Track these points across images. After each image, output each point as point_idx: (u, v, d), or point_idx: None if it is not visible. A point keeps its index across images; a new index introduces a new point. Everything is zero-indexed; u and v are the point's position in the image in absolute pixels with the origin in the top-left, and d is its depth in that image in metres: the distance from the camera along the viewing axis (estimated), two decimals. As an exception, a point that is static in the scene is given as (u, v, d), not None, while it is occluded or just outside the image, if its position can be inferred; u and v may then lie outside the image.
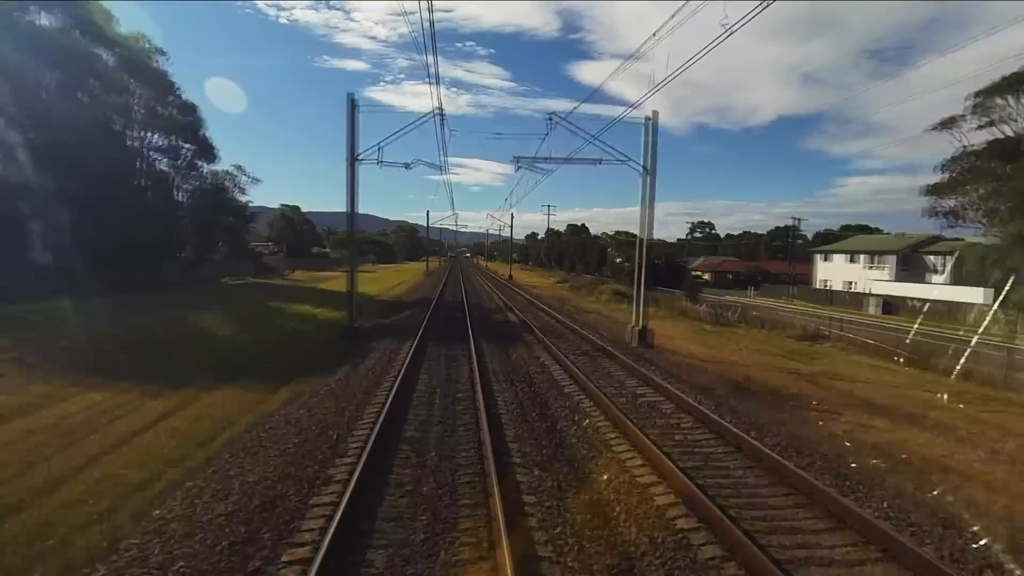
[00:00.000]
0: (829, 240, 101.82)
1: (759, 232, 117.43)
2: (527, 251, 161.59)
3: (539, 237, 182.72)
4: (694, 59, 9.55)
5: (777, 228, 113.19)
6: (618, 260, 43.59)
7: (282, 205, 62.23)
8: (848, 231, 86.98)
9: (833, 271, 51.00)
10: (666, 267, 38.55)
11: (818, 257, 53.96)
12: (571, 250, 78.95)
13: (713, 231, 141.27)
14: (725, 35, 8.21)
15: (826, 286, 50.95)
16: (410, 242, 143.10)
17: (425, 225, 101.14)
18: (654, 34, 10.09)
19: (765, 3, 7.63)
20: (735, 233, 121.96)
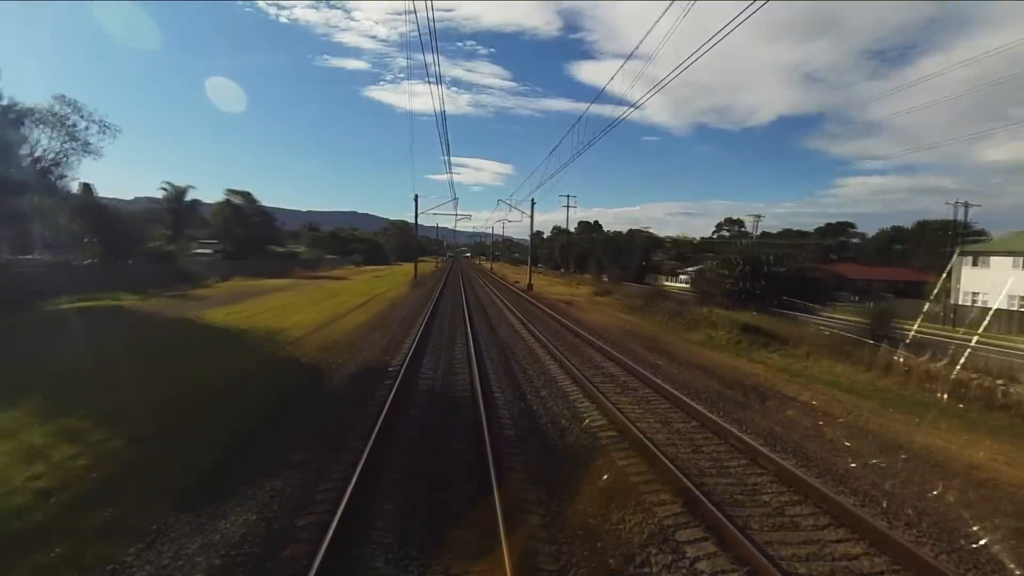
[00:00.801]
0: (899, 239, 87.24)
1: (803, 230, 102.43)
2: (535, 252, 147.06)
3: (546, 236, 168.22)
4: (695, 56, 9.30)
5: (829, 225, 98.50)
6: (711, 264, 29.03)
7: (228, 191, 47.65)
8: (946, 227, 71.58)
9: (989, 280, 36.30)
10: (793, 277, 23.86)
11: (961, 260, 39.21)
12: (598, 250, 64.46)
13: (743, 228, 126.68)
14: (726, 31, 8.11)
15: (975, 301, 36.38)
16: (404, 241, 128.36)
17: (432, 224, 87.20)
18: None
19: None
20: (771, 231, 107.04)
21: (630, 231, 66.61)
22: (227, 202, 46.85)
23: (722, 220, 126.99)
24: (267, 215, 49.11)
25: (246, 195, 47.92)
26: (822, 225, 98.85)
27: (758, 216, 79.67)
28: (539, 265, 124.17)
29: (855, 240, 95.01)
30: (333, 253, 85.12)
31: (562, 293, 39.16)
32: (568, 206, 66.10)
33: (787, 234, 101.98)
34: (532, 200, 38.32)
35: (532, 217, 39.34)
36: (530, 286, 38.46)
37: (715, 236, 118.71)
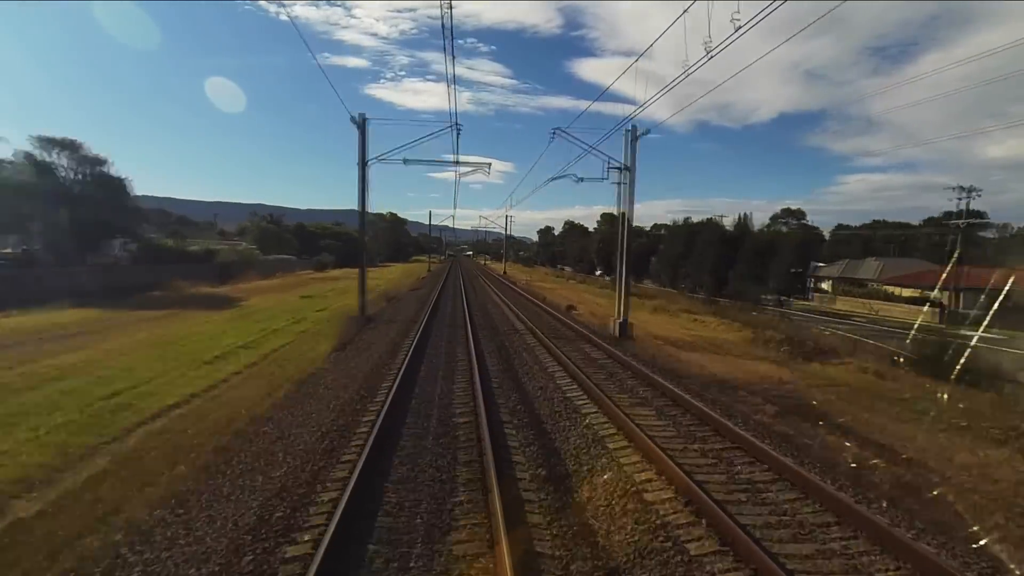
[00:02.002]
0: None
1: (906, 222, 79.96)
2: (551, 250, 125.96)
3: (555, 233, 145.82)
4: (706, 59, 8.93)
5: (947, 214, 76.34)
6: None
7: (33, 138, 25.88)
8: None
9: None
10: None
11: None
12: (674, 250, 42.81)
13: (803, 220, 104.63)
14: (741, 32, 7.73)
15: None
16: (393, 237, 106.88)
17: (423, 218, 66.67)
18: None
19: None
20: (850, 224, 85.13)
21: (740, 219, 45.05)
22: (26, 158, 25.00)
23: (778, 211, 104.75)
24: (115, 186, 27.15)
25: (71, 146, 26.08)
26: (938, 216, 76.73)
27: (970, 189, 54.17)
28: (560, 267, 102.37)
29: (983, 234, 73.00)
30: (296, 252, 63.83)
31: (694, 340, 17.49)
32: (620, 183, 44.28)
33: (881, 225, 79.99)
34: (632, 129, 16.56)
35: (632, 168, 17.24)
36: (625, 327, 16.76)
37: (768, 229, 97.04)
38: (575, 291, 38.33)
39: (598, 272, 69.57)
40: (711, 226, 43.04)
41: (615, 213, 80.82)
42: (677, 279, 43.28)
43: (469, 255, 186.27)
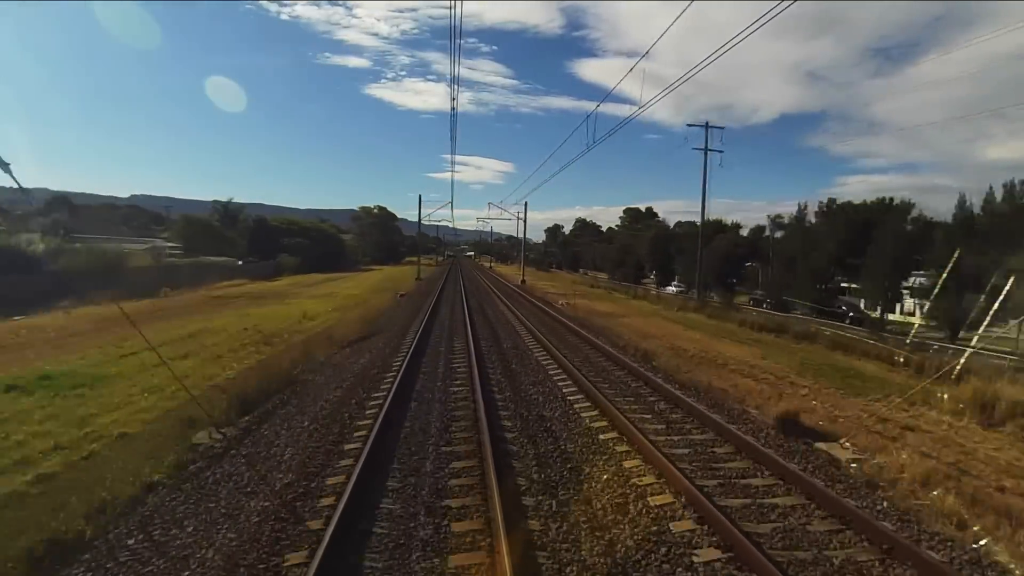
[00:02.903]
0: None
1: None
2: (570, 252, 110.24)
3: (566, 232, 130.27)
4: (709, 60, 8.98)
5: None
6: None
7: None
8: None
9: None
10: None
11: None
12: (818, 257, 27.16)
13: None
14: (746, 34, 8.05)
15: None
16: (383, 236, 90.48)
17: (418, 219, 51.51)
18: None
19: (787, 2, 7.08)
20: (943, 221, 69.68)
21: (961, 202, 28.82)
22: None
23: (823, 203, 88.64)
24: None
25: None
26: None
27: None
28: (582, 270, 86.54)
29: None
30: (243, 253, 48.37)
31: None
32: (706, 154, 28.62)
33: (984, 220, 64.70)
34: None
35: None
36: None
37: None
38: (656, 323, 22.49)
39: (648, 282, 53.93)
40: (895, 215, 27.39)
41: (640, 209, 62.87)
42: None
43: (470, 256, 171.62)
